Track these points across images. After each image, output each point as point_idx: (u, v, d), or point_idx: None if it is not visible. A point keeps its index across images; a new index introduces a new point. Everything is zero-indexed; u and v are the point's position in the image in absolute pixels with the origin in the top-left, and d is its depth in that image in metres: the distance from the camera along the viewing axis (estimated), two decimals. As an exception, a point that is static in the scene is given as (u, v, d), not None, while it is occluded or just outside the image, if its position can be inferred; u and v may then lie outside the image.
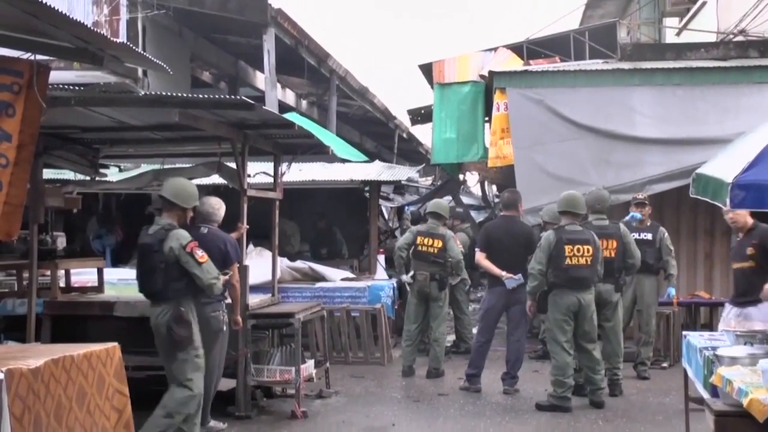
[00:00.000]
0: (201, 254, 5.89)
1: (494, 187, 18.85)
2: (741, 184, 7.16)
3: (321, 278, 10.46)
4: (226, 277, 6.39)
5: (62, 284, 8.18)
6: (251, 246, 9.36)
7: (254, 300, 7.51)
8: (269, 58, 12.69)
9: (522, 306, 8.09)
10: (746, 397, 3.74)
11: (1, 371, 3.47)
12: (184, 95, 6.43)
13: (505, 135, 10.69)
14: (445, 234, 9.07)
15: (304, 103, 18.80)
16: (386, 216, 15.27)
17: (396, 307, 10.45)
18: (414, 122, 17.03)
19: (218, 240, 6.59)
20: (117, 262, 11.79)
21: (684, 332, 6.07)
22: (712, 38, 12.27)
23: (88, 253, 11.39)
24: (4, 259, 8.47)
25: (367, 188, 11.82)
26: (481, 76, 12.35)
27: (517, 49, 13.07)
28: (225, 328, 6.60)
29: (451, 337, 10.76)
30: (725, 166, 7.83)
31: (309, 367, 7.58)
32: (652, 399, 7.86)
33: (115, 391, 4.44)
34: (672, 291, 9.11)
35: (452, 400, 7.91)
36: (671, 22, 15.85)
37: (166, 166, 8.70)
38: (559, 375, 7.47)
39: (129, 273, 10.12)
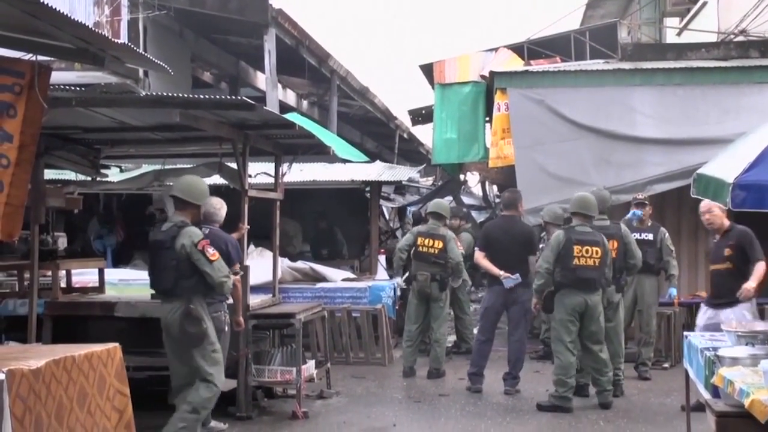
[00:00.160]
0: (212, 252, 5.90)
1: (495, 188, 18.85)
2: (742, 185, 7.19)
3: (322, 278, 10.46)
4: (236, 276, 6.40)
5: (63, 284, 8.17)
6: (252, 246, 9.36)
7: (255, 300, 7.51)
8: (270, 59, 12.69)
9: (521, 305, 8.09)
10: (747, 397, 3.73)
11: (3, 372, 3.47)
12: (185, 96, 6.44)
13: (506, 135, 10.69)
14: (446, 235, 9.07)
15: (304, 103, 18.80)
16: (387, 216, 15.26)
17: (397, 307, 10.46)
18: (415, 122, 17.03)
19: (219, 240, 6.59)
20: (118, 262, 11.79)
21: (685, 333, 6.07)
22: (712, 38, 12.26)
23: (89, 254, 11.38)
24: (5, 259, 8.47)
25: (367, 188, 11.82)
26: (482, 77, 12.35)
27: (517, 49, 13.07)
28: (226, 328, 6.60)
29: (452, 338, 10.76)
30: (726, 166, 7.86)
31: (310, 367, 7.58)
32: (654, 399, 7.86)
33: (116, 392, 4.44)
34: (673, 291, 9.10)
35: (453, 400, 7.91)
36: (672, 22, 15.84)
37: (167, 167, 8.70)
38: (561, 374, 7.47)
39: (130, 273, 10.16)
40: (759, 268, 6.91)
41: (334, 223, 12.81)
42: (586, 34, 13.53)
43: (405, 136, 21.40)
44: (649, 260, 8.59)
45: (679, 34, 14.98)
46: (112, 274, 9.42)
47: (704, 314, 7.11)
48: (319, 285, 10.29)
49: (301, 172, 10.95)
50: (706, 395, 4.47)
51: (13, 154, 4.76)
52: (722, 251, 6.97)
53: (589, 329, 7.53)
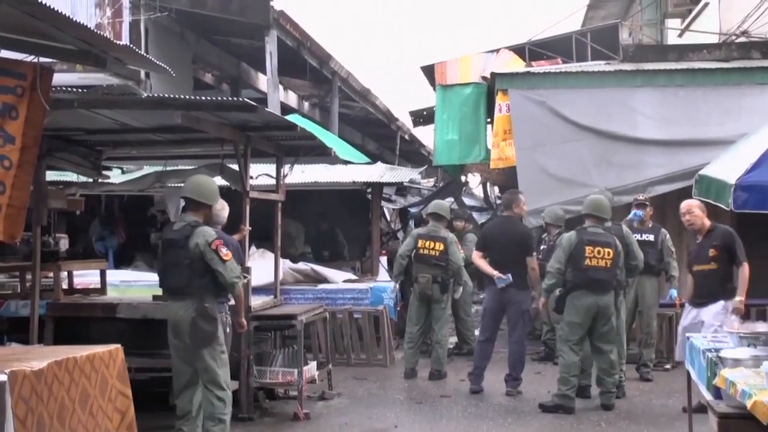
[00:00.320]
0: (226, 252, 5.91)
1: (496, 189, 18.87)
2: (744, 186, 7.21)
3: (323, 280, 10.46)
4: (245, 280, 6.40)
5: (65, 286, 8.18)
6: (254, 248, 9.36)
7: (257, 302, 7.51)
8: (271, 60, 12.70)
9: (516, 306, 8.12)
10: (750, 399, 3.73)
11: (5, 373, 3.47)
12: (187, 97, 6.45)
13: (507, 136, 10.70)
14: (447, 237, 9.07)
15: (306, 104, 18.81)
16: (388, 217, 15.27)
17: (398, 308, 10.46)
18: (416, 124, 17.05)
19: (221, 241, 6.58)
20: (119, 263, 11.80)
21: (687, 334, 6.07)
22: (714, 39, 12.26)
23: (90, 255, 11.40)
24: (7, 260, 8.49)
25: (369, 190, 11.82)
26: (483, 78, 12.35)
27: (519, 50, 13.09)
28: (228, 330, 6.59)
29: (453, 339, 10.76)
30: (728, 167, 7.87)
31: (311, 368, 7.58)
32: (655, 401, 7.85)
33: (118, 393, 4.44)
34: (674, 292, 9.10)
35: (455, 401, 7.90)
36: (673, 24, 15.84)
37: (168, 168, 8.70)
38: (564, 372, 7.52)
39: (132, 275, 10.18)
40: (745, 275, 7.00)
41: (335, 225, 12.81)
42: (588, 35, 13.54)
43: (406, 137, 21.41)
44: (650, 261, 8.59)
45: (680, 35, 14.98)
46: (114, 276, 9.43)
47: (688, 314, 7.15)
48: (321, 286, 10.29)
49: (303, 174, 10.95)
50: (708, 396, 4.46)
51: (15, 156, 4.77)
52: (706, 252, 6.98)
53: (600, 330, 7.54)
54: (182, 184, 9.44)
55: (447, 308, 9.25)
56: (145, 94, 6.91)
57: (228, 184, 8.04)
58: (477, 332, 9.55)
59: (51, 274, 7.81)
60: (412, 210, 16.09)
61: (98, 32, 5.10)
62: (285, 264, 10.01)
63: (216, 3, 12.40)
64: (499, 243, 8.24)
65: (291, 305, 8.73)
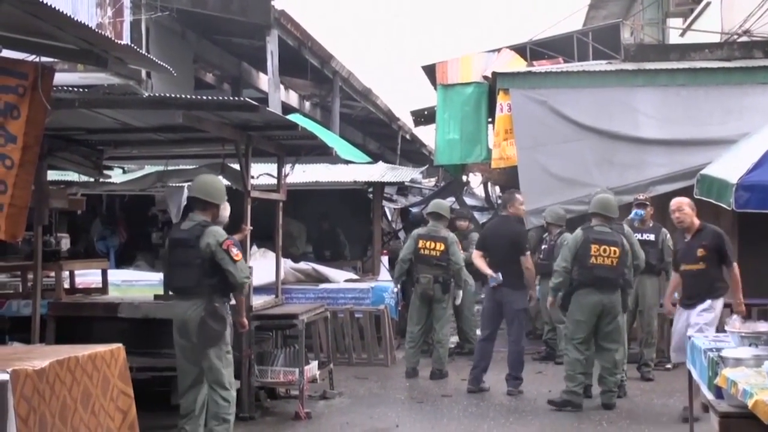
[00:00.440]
0: (236, 252, 5.93)
1: (497, 189, 18.84)
2: (746, 185, 7.21)
3: (324, 279, 10.47)
4: (249, 280, 6.41)
5: (66, 285, 8.19)
6: (255, 247, 9.37)
7: (258, 301, 7.52)
8: (272, 60, 12.70)
9: (509, 306, 8.16)
10: (751, 398, 3.73)
11: (7, 372, 3.47)
12: (188, 97, 6.45)
13: (509, 136, 10.70)
14: (447, 237, 9.07)
15: (307, 104, 18.80)
16: (389, 217, 15.27)
17: (399, 308, 10.46)
18: (417, 123, 17.04)
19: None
20: (120, 263, 11.81)
21: (688, 334, 6.07)
22: (716, 39, 12.25)
23: (91, 255, 11.41)
24: (8, 260, 8.50)
25: (370, 189, 11.82)
26: (485, 77, 12.35)
27: (520, 50, 13.07)
28: (230, 329, 6.59)
29: (455, 339, 10.76)
30: (730, 167, 7.87)
31: (313, 368, 7.59)
32: (657, 400, 7.85)
33: (120, 392, 4.44)
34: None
35: (456, 401, 7.91)
36: (675, 23, 15.83)
37: (169, 168, 8.70)
38: (570, 370, 7.58)
39: (133, 274, 10.18)
40: (737, 276, 7.01)
41: (336, 224, 12.81)
42: (589, 34, 13.52)
43: (407, 137, 21.41)
44: (650, 261, 8.59)
45: (682, 34, 14.96)
46: (115, 275, 9.44)
47: (680, 316, 7.14)
48: (322, 286, 10.30)
49: (304, 173, 10.96)
50: (710, 396, 4.47)
51: (17, 155, 4.77)
52: (695, 251, 6.97)
53: (604, 330, 7.56)
54: (183, 184, 9.50)
55: (448, 308, 9.26)
56: (146, 94, 6.91)
57: (229, 183, 8.05)
58: (479, 331, 9.57)
59: (52, 274, 7.82)
60: (414, 210, 16.10)
61: (99, 32, 5.10)
62: (286, 263, 10.01)
63: (217, 3, 12.40)
64: (495, 243, 8.29)
65: (292, 305, 8.73)
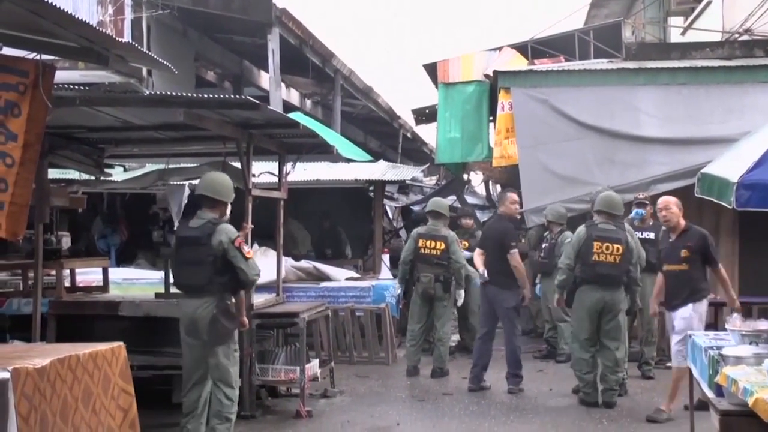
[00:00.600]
0: (248, 250, 5.94)
1: (498, 187, 18.82)
2: (746, 184, 7.21)
3: (325, 278, 10.46)
4: (259, 278, 6.41)
5: (67, 284, 8.19)
6: (256, 246, 9.37)
7: (259, 300, 7.52)
8: (274, 58, 12.69)
9: (500, 305, 8.21)
10: (751, 396, 3.73)
11: (8, 370, 3.47)
12: (189, 95, 6.45)
13: (510, 134, 10.70)
14: (447, 236, 9.07)
15: (308, 102, 18.80)
16: (390, 216, 15.27)
17: (401, 306, 10.46)
18: (418, 122, 17.02)
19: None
20: (121, 261, 11.81)
21: (688, 332, 6.06)
22: (717, 37, 12.25)
23: (92, 253, 11.42)
24: (9, 258, 8.49)
25: (371, 188, 11.82)
26: (486, 76, 12.34)
27: (521, 48, 13.06)
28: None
29: (456, 337, 10.76)
30: (730, 165, 7.87)
31: (314, 366, 7.59)
32: (657, 398, 7.83)
33: (121, 391, 4.44)
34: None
35: (457, 399, 7.91)
36: (676, 22, 15.83)
37: (170, 166, 8.71)
38: (576, 370, 7.70)
39: (134, 273, 10.18)
40: (724, 275, 7.02)
41: (337, 223, 12.81)
42: (590, 33, 13.51)
43: (408, 135, 21.40)
44: (650, 259, 8.56)
45: (683, 33, 14.96)
46: (116, 274, 9.44)
47: (670, 318, 7.13)
48: (323, 284, 10.29)
49: (305, 172, 10.96)
50: (710, 394, 4.47)
51: (18, 154, 4.77)
52: (678, 252, 6.92)
53: (604, 327, 7.57)
54: (184, 182, 9.51)
55: (449, 306, 9.26)
56: (148, 92, 6.89)
57: (230, 181, 8.04)
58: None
59: (53, 272, 7.83)
60: (415, 208, 16.10)
61: (100, 30, 5.09)
62: (287, 262, 10.01)
63: (218, 1, 12.39)
64: (487, 241, 8.39)
65: (293, 303, 8.74)
